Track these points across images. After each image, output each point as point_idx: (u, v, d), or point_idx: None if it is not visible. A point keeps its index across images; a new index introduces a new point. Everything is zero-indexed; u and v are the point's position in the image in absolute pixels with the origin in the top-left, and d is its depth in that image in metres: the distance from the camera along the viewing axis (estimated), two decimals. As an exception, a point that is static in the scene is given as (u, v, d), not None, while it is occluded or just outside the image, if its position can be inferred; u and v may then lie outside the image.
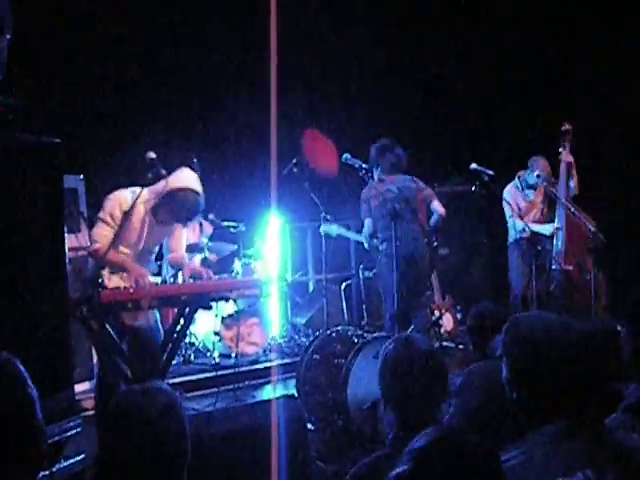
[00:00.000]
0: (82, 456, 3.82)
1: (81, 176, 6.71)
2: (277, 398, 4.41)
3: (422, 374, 2.69)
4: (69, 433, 3.30)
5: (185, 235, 5.21)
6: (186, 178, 4.81)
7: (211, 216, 8.30)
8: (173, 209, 4.74)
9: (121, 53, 8.04)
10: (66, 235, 6.17)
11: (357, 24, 9.40)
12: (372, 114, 9.47)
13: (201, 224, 8.20)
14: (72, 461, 3.58)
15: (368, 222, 6.38)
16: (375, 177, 6.44)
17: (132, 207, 4.64)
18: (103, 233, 4.65)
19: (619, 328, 2.98)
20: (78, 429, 3.40)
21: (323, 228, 6.62)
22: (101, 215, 4.71)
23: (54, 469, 3.30)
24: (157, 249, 5.10)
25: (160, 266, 5.86)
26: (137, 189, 4.77)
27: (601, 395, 2.95)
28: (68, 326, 3.40)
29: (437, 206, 6.52)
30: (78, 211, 6.55)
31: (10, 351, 2.79)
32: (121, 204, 4.68)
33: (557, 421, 2.13)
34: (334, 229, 6.63)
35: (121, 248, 4.68)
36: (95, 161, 7.50)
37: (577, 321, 3.04)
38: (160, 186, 4.78)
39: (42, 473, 3.21)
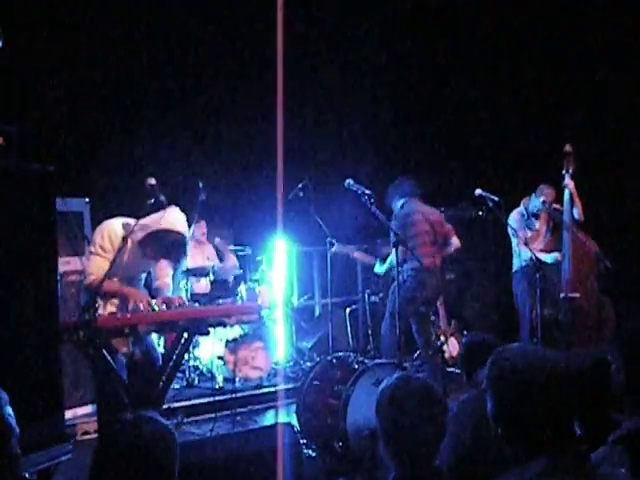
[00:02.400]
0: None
1: (87, 199, 6.74)
2: (271, 425, 4.40)
3: (419, 412, 2.67)
4: (58, 460, 3.29)
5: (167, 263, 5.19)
6: (172, 219, 4.76)
7: (217, 240, 8.35)
8: (159, 248, 4.75)
9: (129, 76, 8.11)
10: (71, 258, 6.23)
11: (365, 46, 9.45)
12: (377, 139, 9.49)
13: (218, 249, 8.28)
14: (62, 488, 3.57)
15: (400, 250, 6.41)
16: (397, 206, 6.80)
17: (123, 240, 4.64)
18: (96, 265, 4.67)
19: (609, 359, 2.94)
20: (68, 455, 3.39)
21: (335, 249, 6.68)
22: (92, 249, 4.77)
23: (43, 497, 3.28)
24: (144, 276, 5.12)
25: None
26: (129, 221, 4.77)
27: (590, 428, 2.93)
28: (58, 352, 3.40)
29: (455, 240, 6.92)
30: (83, 235, 6.56)
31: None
32: (110, 235, 4.71)
33: (542, 457, 2.11)
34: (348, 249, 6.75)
35: (114, 278, 4.69)
36: (101, 184, 7.53)
37: (568, 354, 3.03)
38: (149, 220, 4.77)
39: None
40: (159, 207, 4.82)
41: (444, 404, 2.76)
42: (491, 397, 2.25)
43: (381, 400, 2.78)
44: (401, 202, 6.83)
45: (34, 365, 3.13)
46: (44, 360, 3.21)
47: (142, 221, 4.77)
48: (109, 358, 4.49)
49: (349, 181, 6.14)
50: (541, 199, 7.25)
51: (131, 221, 4.77)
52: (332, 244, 6.84)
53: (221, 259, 8.18)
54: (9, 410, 2.37)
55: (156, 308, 4.63)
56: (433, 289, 6.76)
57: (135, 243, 4.75)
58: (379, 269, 6.76)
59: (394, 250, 6.19)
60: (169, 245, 4.72)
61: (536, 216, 7.41)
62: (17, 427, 2.41)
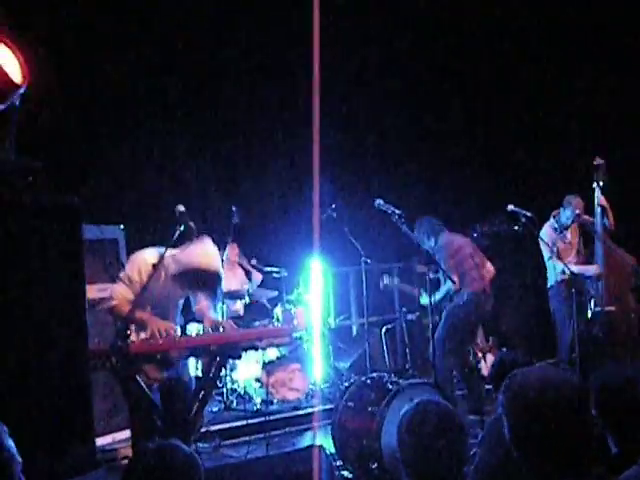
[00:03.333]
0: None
1: (122, 226, 6.82)
2: (304, 448, 4.41)
3: (436, 438, 2.66)
4: (89, 487, 3.34)
5: None
6: (205, 256, 4.73)
7: (253, 262, 8.42)
8: (194, 283, 4.75)
9: (164, 104, 8.24)
10: (107, 285, 6.31)
11: (398, 70, 9.49)
12: (410, 156, 9.50)
13: (248, 272, 8.34)
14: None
15: (456, 278, 6.47)
16: (431, 244, 6.85)
17: (154, 267, 4.69)
18: (120, 291, 4.75)
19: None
20: (99, 482, 3.44)
21: (386, 282, 6.81)
22: (121, 275, 4.86)
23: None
24: (182, 302, 5.15)
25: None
26: (161, 250, 4.77)
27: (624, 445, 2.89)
28: (88, 379, 3.46)
29: (489, 265, 7.07)
30: (118, 261, 6.64)
31: (28, 405, 2.89)
32: (140, 266, 4.76)
33: None
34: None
35: (145, 305, 4.72)
36: (136, 211, 7.63)
37: (594, 374, 2.99)
38: (182, 255, 4.74)
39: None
40: (189, 234, 4.84)
41: (463, 428, 2.75)
42: (506, 420, 2.23)
43: (400, 428, 2.77)
44: (433, 239, 6.90)
45: (63, 393, 3.19)
46: (74, 388, 3.27)
47: (175, 253, 4.75)
48: (142, 384, 4.55)
49: (379, 201, 6.14)
50: (573, 210, 7.16)
51: (163, 252, 4.75)
52: (367, 263, 6.87)
53: (250, 279, 8.25)
54: (9, 442, 2.40)
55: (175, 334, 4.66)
56: (486, 312, 6.92)
57: (169, 276, 4.76)
58: (425, 300, 6.66)
59: (448, 280, 6.34)
60: (203, 282, 4.72)
61: (568, 228, 7.33)
62: (18, 456, 2.42)
